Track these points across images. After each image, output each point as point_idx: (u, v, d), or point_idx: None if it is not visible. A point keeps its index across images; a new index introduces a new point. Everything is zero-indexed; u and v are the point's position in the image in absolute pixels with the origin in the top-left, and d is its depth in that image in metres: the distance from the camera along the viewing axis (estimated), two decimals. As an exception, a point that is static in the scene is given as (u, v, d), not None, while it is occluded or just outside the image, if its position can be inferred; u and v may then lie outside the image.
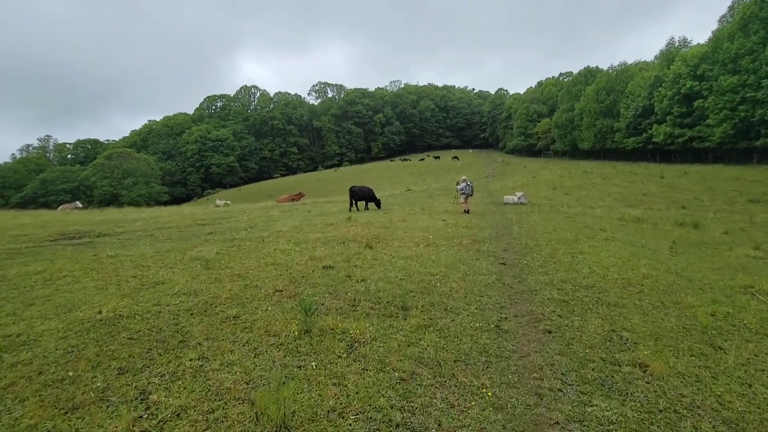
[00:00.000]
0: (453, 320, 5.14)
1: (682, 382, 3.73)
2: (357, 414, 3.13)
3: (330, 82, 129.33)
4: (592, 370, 3.90)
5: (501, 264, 8.48)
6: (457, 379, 3.68)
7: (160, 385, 3.40)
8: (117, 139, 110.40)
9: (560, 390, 3.56)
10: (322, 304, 5.59)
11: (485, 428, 3.05)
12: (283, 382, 3.40)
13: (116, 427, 2.86)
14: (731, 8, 48.72)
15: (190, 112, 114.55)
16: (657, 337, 4.68)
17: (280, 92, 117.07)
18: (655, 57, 61.33)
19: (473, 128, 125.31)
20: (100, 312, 4.87)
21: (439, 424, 3.06)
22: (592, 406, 3.35)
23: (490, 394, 3.46)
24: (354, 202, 20.14)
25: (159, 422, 2.94)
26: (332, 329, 4.60)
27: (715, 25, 54.20)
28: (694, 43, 54.25)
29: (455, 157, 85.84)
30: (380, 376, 3.67)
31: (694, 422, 3.17)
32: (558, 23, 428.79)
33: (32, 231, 13.78)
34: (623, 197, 29.03)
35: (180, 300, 5.60)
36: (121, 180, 74.11)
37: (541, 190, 32.74)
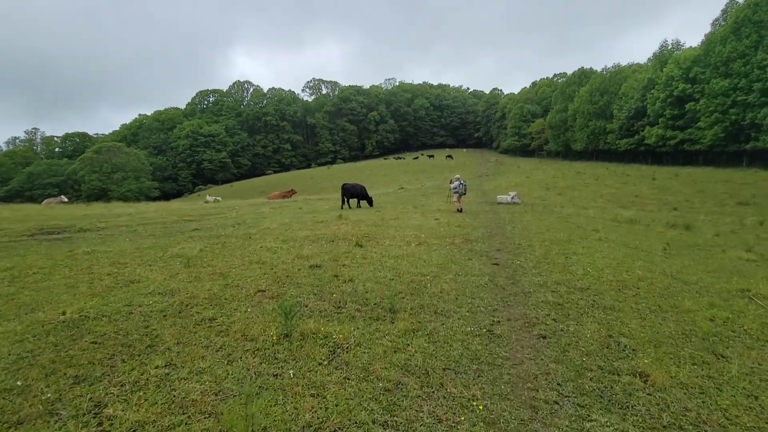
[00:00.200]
0: (443, 324, 4.88)
1: (685, 393, 3.50)
2: (335, 430, 2.84)
3: (324, 78, 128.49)
4: (590, 380, 3.65)
5: (494, 264, 8.24)
6: (446, 390, 3.40)
7: (118, 396, 3.08)
8: (106, 133, 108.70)
9: (556, 402, 3.31)
10: (306, 306, 5.29)
11: (475, 446, 2.78)
12: (257, 393, 3.10)
13: (63, 445, 2.55)
14: (724, 12, 49.06)
15: (182, 106, 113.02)
16: (656, 343, 4.45)
17: (273, 88, 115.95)
18: (649, 59, 61.63)
19: (467, 127, 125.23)
20: (64, 313, 4.53)
21: (426, 442, 2.79)
22: (591, 420, 3.10)
23: (481, 407, 3.19)
24: (346, 199, 19.85)
25: (113, 439, 2.63)
26: (314, 333, 4.30)
27: (708, 28, 54.65)
28: (687, 45, 54.51)
29: (449, 156, 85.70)
30: (363, 386, 3.39)
31: (701, 439, 2.94)
32: (552, 24, 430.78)
33: (9, 225, 13.27)
34: (616, 198, 29.06)
35: (154, 300, 5.26)
36: (111, 175, 72.83)
37: (535, 190, 32.68)
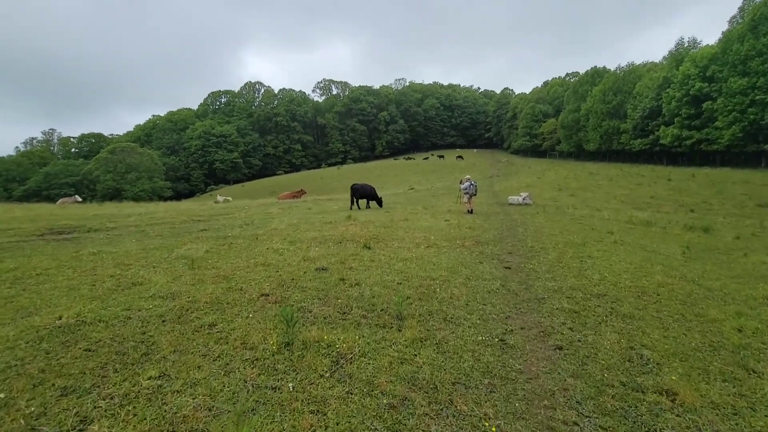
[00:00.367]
0: (453, 332, 4.64)
1: (717, 415, 3.21)
2: (335, 451, 2.63)
3: (335, 79, 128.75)
4: (612, 398, 3.37)
5: (505, 268, 7.96)
6: (456, 408, 3.16)
7: (106, 411, 2.90)
8: (121, 134, 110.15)
9: (576, 424, 3.04)
10: (310, 312, 5.09)
11: (488, 472, 2.54)
12: (252, 410, 2.90)
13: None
14: (741, 9, 47.79)
15: (194, 107, 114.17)
16: (682, 356, 4.15)
17: (284, 89, 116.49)
18: (664, 58, 60.42)
19: (478, 128, 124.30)
20: (60, 318, 4.39)
21: (433, 466, 2.56)
22: (614, 444, 2.84)
23: (494, 429, 2.95)
24: (355, 200, 19.68)
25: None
26: (317, 342, 4.10)
27: (725, 26, 53.30)
28: (704, 44, 53.32)
29: (459, 157, 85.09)
30: (366, 402, 3.17)
31: (738, 468, 2.66)
32: (565, 23, 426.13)
33: (20, 225, 13.34)
34: (630, 199, 28.44)
35: (154, 304, 5.11)
36: (125, 175, 73.74)
37: (547, 191, 32.15)
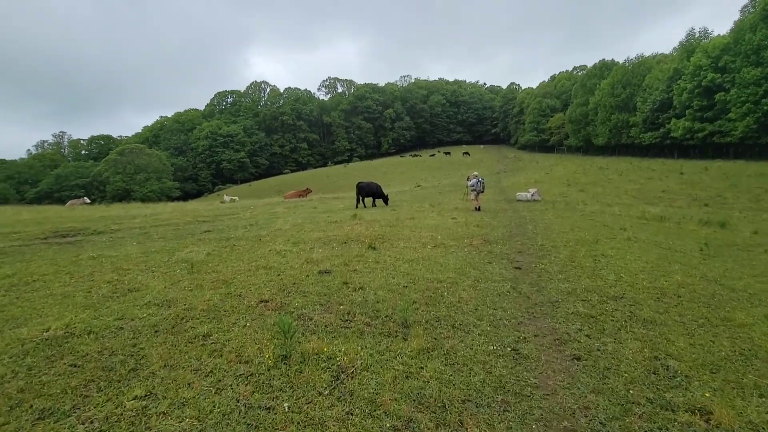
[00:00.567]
0: (462, 341, 4.35)
1: (757, 436, 2.89)
2: (333, 483, 2.37)
3: (340, 77, 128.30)
4: (640, 417, 3.05)
5: (516, 269, 7.65)
6: (467, 430, 2.88)
7: (84, 437, 2.67)
8: (129, 135, 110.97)
9: (601, 449, 2.76)
10: (311, 319, 4.83)
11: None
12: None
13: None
14: (753, -2, 46.60)
15: (201, 107, 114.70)
16: (712, 368, 3.83)
17: (290, 88, 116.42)
18: (674, 49, 59.17)
19: (484, 123, 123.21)
20: (47, 329, 4.18)
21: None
22: (644, 473, 2.54)
23: (509, 456, 2.67)
24: (361, 198, 19.44)
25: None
26: (316, 354, 3.84)
27: (736, 15, 52.08)
28: (715, 34, 52.05)
29: (466, 153, 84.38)
30: (368, 424, 2.90)
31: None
32: (572, 16, 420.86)
33: (25, 228, 13.29)
34: (641, 194, 27.84)
35: (149, 312, 4.89)
36: (134, 176, 74.29)
37: (555, 186, 31.62)
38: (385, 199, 19.97)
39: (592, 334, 4.58)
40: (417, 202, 21.00)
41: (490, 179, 36.03)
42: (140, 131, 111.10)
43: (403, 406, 3.11)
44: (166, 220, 15.86)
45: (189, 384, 3.31)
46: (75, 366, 3.56)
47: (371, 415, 3.00)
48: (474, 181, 17.24)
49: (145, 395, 3.14)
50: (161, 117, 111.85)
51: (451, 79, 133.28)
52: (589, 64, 77.56)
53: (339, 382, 3.42)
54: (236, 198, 36.92)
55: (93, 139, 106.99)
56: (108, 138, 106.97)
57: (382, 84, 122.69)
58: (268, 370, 3.55)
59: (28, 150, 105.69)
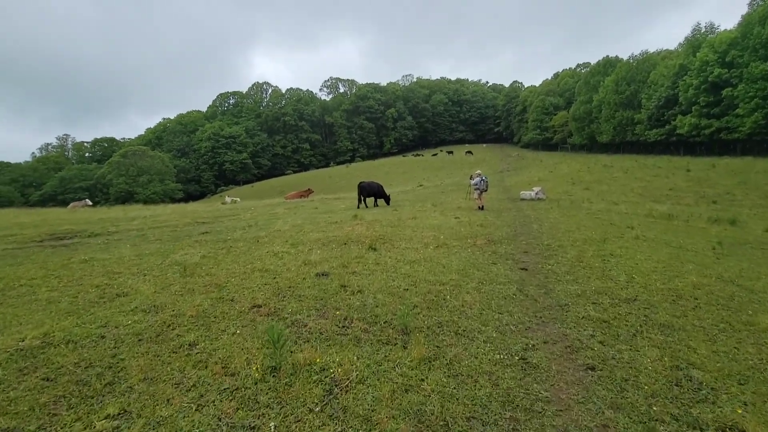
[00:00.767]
0: (466, 349, 4.06)
1: (798, 459, 2.59)
2: None
3: (341, 77, 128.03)
4: (665, 438, 2.76)
5: (521, 269, 7.33)
6: (472, 453, 2.59)
7: (43, 464, 2.40)
8: (133, 137, 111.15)
9: (623, 475, 2.45)
10: (305, 326, 4.55)
11: None
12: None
13: None
14: (761, -9, 45.89)
15: (203, 109, 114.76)
16: (739, 378, 3.51)
17: (291, 88, 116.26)
18: (679, 45, 58.49)
19: (487, 122, 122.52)
20: (23, 339, 3.92)
21: None
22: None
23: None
24: (362, 198, 19.17)
25: None
26: (309, 365, 3.55)
27: (744, 9, 51.36)
28: (722, 28, 51.34)
29: (469, 152, 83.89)
30: (362, 447, 2.62)
31: None
32: (575, 13, 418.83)
33: (22, 231, 13.10)
34: (648, 192, 27.44)
35: (134, 319, 4.63)
36: (137, 177, 74.36)
37: (560, 184, 31.25)
38: (387, 199, 19.71)
39: (606, 341, 4.27)
40: (419, 202, 20.70)
41: (493, 178, 35.67)
42: (143, 133, 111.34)
43: (401, 424, 2.82)
44: (165, 221, 15.65)
45: (168, 400, 3.04)
46: (47, 380, 3.29)
47: (366, 436, 2.71)
48: (477, 179, 16.93)
49: (119, 413, 2.86)
50: (164, 119, 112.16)
51: (453, 78, 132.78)
52: (593, 62, 76.88)
53: (332, 397, 3.13)
54: (237, 199, 36.73)
55: (96, 142, 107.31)
56: (111, 140, 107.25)
57: (384, 84, 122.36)
58: (255, 383, 3.26)
59: (33, 153, 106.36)
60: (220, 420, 2.83)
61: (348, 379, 3.37)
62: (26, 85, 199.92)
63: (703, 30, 53.76)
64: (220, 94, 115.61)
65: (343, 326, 4.56)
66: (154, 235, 12.10)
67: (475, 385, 3.37)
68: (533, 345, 4.18)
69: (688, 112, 46.07)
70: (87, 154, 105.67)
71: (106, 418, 2.80)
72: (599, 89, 63.21)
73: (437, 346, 4.08)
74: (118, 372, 3.44)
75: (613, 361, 3.82)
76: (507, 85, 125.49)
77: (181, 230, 13.13)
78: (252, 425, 2.78)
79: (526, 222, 13.22)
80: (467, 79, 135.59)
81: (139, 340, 4.09)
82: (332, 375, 3.42)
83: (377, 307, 5.18)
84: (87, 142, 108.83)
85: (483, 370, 3.63)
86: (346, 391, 3.20)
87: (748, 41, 39.40)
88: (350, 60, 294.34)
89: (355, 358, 3.75)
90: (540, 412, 3.04)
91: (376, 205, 19.64)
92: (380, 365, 3.65)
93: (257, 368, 3.43)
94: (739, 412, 3.00)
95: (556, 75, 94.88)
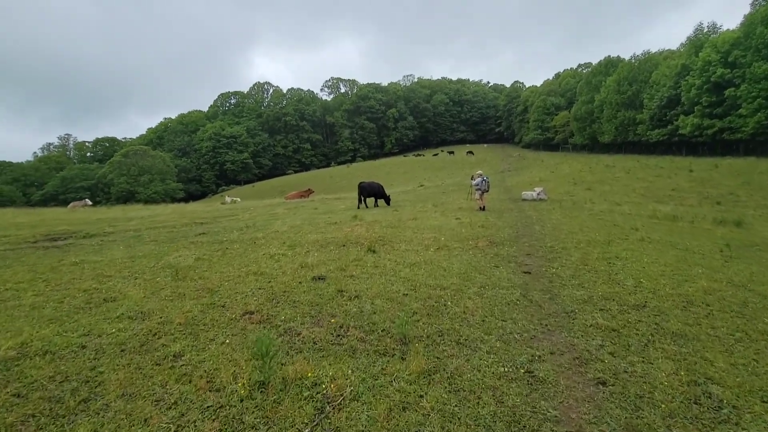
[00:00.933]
0: (468, 360, 3.82)
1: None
2: None
3: (342, 77, 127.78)
4: (687, 465, 2.53)
5: (525, 273, 7.10)
6: (475, 483, 2.36)
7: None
8: (134, 137, 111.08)
9: None
10: (298, 334, 4.32)
11: None
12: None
13: None
14: (764, -10, 45.55)
15: (205, 109, 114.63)
16: (762, 395, 3.26)
17: (292, 88, 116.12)
18: (681, 45, 58.20)
19: (488, 122, 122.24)
20: (-3, 350, 3.70)
21: None
22: None
23: None
24: (363, 198, 18.97)
25: None
26: (300, 379, 3.32)
27: (746, 9, 51.02)
28: (724, 28, 50.99)
29: (470, 152, 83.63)
30: (355, 474, 2.38)
31: None
32: (576, 13, 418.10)
33: (17, 231, 12.89)
34: (650, 192, 27.16)
35: (119, 327, 4.40)
36: (138, 177, 74.26)
37: (561, 185, 30.99)
38: (387, 199, 19.51)
39: (617, 352, 4.03)
40: (420, 202, 20.47)
41: (494, 178, 35.41)
42: (144, 133, 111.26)
43: (398, 449, 2.59)
44: (163, 222, 15.44)
45: (146, 420, 2.81)
46: (18, 396, 3.06)
47: (359, 463, 2.47)
48: (478, 180, 16.69)
49: (90, 436, 2.64)
50: (165, 119, 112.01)
51: (454, 78, 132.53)
52: (594, 61, 76.61)
53: (323, 416, 2.89)
54: (238, 199, 36.54)
55: (98, 141, 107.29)
56: (112, 140, 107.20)
57: (385, 84, 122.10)
58: (241, 401, 3.03)
59: (35, 153, 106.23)
60: (200, 443, 2.60)
61: (341, 395, 3.14)
62: (27, 85, 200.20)
63: (706, 30, 53.45)
64: (222, 94, 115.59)
65: (339, 335, 4.33)
66: (150, 236, 11.88)
67: (478, 403, 3.13)
68: (539, 356, 3.94)
69: (690, 113, 45.78)
70: (88, 154, 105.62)
71: (75, 440, 2.57)
72: (601, 89, 62.95)
73: (437, 358, 3.85)
74: (95, 387, 3.21)
75: (626, 374, 3.58)
76: (508, 85, 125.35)
77: (178, 231, 12.91)
78: (235, 449, 2.55)
79: (528, 223, 12.98)
80: (468, 79, 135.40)
81: (122, 350, 3.86)
82: (324, 391, 3.19)
83: (375, 313, 4.95)
84: (89, 142, 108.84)
85: (486, 384, 3.39)
86: (339, 410, 2.97)
87: (750, 41, 39.11)
88: (351, 60, 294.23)
89: (350, 371, 3.52)
90: (549, 434, 2.80)
91: (376, 205, 19.44)
92: (376, 379, 3.41)
93: (244, 384, 3.20)
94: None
95: (558, 75, 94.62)
